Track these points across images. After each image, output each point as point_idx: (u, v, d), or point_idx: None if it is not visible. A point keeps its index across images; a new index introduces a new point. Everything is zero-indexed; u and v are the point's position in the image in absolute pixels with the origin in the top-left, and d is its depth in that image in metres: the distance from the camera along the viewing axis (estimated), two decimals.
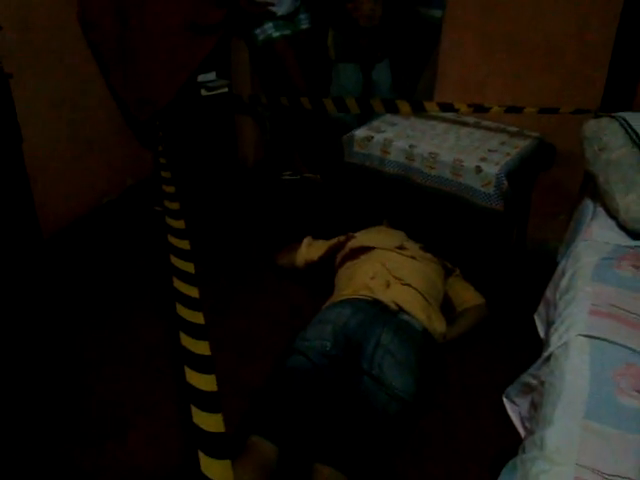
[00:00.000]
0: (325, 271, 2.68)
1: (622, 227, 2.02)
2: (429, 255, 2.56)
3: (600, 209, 2.16)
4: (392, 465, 1.94)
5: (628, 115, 2.21)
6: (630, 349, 1.45)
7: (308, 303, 2.60)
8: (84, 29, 3.01)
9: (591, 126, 2.26)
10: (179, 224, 2.36)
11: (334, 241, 2.74)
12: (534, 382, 1.59)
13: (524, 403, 1.66)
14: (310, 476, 1.74)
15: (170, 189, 2.66)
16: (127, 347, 2.45)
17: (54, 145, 2.99)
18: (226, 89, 3.58)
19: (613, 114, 2.24)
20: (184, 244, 2.22)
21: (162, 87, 3.26)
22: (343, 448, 1.79)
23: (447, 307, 2.53)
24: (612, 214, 2.07)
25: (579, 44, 2.64)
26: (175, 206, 2.52)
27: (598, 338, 1.49)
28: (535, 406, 1.52)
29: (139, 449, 2.01)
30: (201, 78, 3.49)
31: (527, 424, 1.59)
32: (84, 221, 3.21)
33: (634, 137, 2.11)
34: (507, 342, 2.50)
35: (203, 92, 3.51)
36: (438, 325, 2.32)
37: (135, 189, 3.54)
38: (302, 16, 3.54)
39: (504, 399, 1.74)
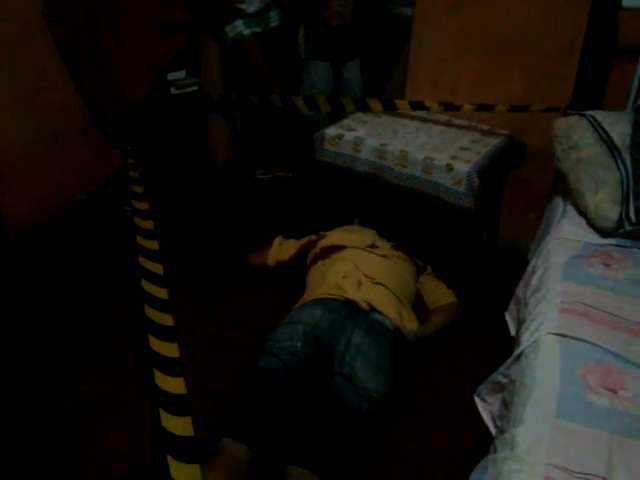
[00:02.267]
0: (297, 271, 2.66)
1: (592, 225, 2.04)
2: (401, 253, 2.56)
3: (570, 207, 2.17)
4: (364, 465, 1.93)
5: (597, 113, 2.22)
6: (599, 347, 1.45)
7: (279, 303, 2.57)
8: (49, 24, 2.95)
9: (561, 124, 2.27)
10: (148, 224, 2.33)
11: (305, 240, 2.72)
12: (505, 381, 1.59)
13: (495, 402, 1.65)
14: (282, 478, 1.72)
15: (139, 189, 2.62)
16: (96, 349, 2.41)
17: (20, 144, 2.93)
18: (196, 87, 3.54)
19: (582, 112, 2.25)
20: (153, 244, 2.18)
21: (131, 86, 3.20)
22: (315, 449, 1.78)
23: (419, 305, 2.53)
24: (582, 212, 2.09)
25: (549, 43, 2.66)
26: (144, 206, 2.48)
27: (568, 336, 1.50)
28: (506, 405, 1.52)
29: (109, 453, 1.98)
30: (170, 76, 3.44)
31: (498, 423, 1.59)
32: (52, 222, 3.15)
33: (603, 135, 2.13)
34: (479, 340, 2.50)
35: (173, 90, 3.46)
36: (410, 324, 2.32)
37: (104, 189, 3.49)
38: (272, 13, 3.52)
39: (475, 398, 1.74)
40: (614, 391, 1.34)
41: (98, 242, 3.12)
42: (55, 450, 1.98)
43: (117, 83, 3.17)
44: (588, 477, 1.13)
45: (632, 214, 1.94)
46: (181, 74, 3.49)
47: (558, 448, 1.20)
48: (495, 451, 1.31)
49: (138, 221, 2.33)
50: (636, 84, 2.45)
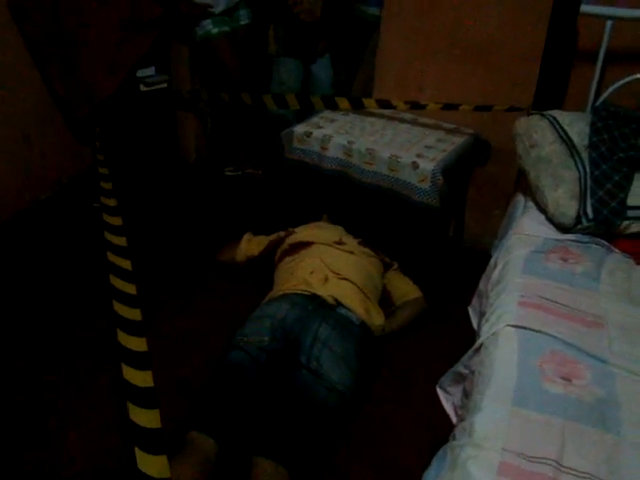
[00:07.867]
0: (266, 267, 2.69)
1: (551, 221, 2.10)
2: (367, 250, 2.60)
3: (531, 204, 2.24)
4: (330, 457, 1.97)
5: (557, 113, 2.29)
6: (556, 338, 1.51)
7: (248, 299, 2.58)
8: (15, 18, 2.92)
9: (522, 124, 2.33)
10: (116, 221, 2.34)
11: (274, 236, 2.74)
12: (465, 371, 1.64)
13: (457, 392, 1.70)
14: (249, 470, 1.75)
15: (107, 185, 2.63)
16: (64, 346, 2.41)
17: None
18: (165, 84, 3.54)
19: (543, 112, 2.31)
20: (121, 241, 2.20)
21: (99, 84, 3.20)
22: (282, 441, 1.81)
23: (386, 301, 2.58)
24: (542, 209, 2.15)
25: (512, 45, 2.71)
26: (112, 203, 2.49)
27: (526, 328, 1.55)
28: (467, 394, 1.57)
29: (78, 448, 1.97)
30: (140, 73, 3.44)
31: (460, 412, 1.64)
32: (18, 218, 3.13)
33: (563, 135, 2.19)
34: (443, 334, 2.55)
35: (142, 87, 3.46)
36: (376, 318, 2.36)
37: (71, 186, 3.47)
38: (242, 12, 3.52)
39: (437, 389, 1.78)
40: (569, 380, 1.40)
41: (66, 238, 3.10)
42: (23, 447, 1.97)
43: (85, 81, 3.16)
44: (541, 461, 1.18)
45: (589, 211, 2.01)
46: (151, 71, 3.49)
47: (514, 434, 1.25)
48: (454, 439, 1.35)
49: (107, 218, 2.35)
50: (594, 86, 2.53)
